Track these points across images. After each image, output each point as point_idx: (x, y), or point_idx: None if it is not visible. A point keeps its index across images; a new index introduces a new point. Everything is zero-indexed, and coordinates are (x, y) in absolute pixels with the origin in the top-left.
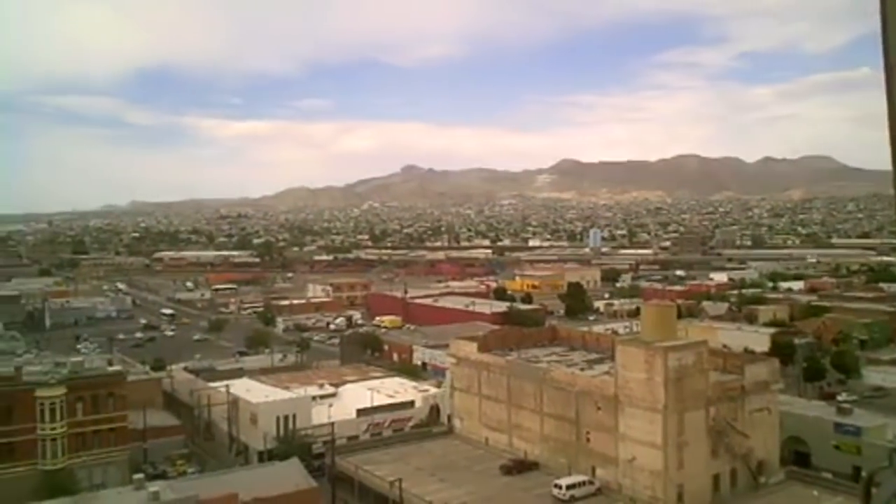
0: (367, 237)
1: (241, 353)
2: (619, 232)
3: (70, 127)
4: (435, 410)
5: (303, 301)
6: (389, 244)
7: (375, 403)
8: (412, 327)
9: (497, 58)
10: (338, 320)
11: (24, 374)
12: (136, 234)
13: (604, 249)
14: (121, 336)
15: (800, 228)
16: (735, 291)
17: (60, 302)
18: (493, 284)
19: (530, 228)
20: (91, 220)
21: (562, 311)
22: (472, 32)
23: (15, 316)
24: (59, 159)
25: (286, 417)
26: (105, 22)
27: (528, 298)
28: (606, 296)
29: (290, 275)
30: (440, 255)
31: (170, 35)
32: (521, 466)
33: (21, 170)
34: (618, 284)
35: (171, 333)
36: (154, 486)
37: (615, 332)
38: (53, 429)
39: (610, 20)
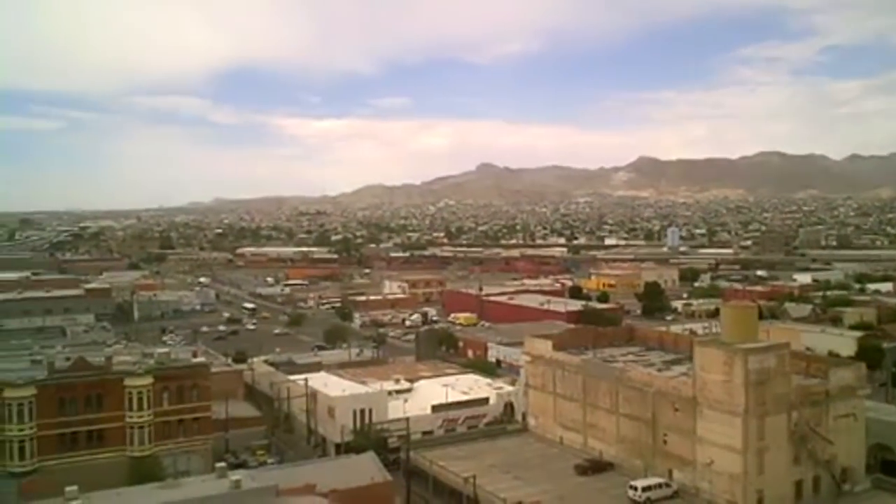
0: (442, 234)
1: (320, 347)
2: (699, 231)
3: (159, 126)
4: (509, 408)
5: (379, 297)
6: (465, 242)
7: (450, 400)
8: (487, 324)
9: (574, 55)
10: (413, 316)
11: (114, 363)
12: (220, 231)
13: (682, 248)
14: (204, 329)
15: (889, 228)
16: (819, 293)
17: (148, 295)
18: (569, 283)
19: (606, 227)
20: (177, 216)
21: (638, 311)
22: (549, 29)
23: (105, 308)
24: (148, 157)
25: (362, 411)
26: (192, 24)
27: (603, 297)
28: (685, 296)
29: (366, 271)
30: (515, 252)
31: (253, 36)
32: (596, 466)
33: (113, 168)
34: (696, 284)
35: (252, 327)
36: (235, 475)
37: (693, 333)
38: (141, 417)
39: (690, 15)
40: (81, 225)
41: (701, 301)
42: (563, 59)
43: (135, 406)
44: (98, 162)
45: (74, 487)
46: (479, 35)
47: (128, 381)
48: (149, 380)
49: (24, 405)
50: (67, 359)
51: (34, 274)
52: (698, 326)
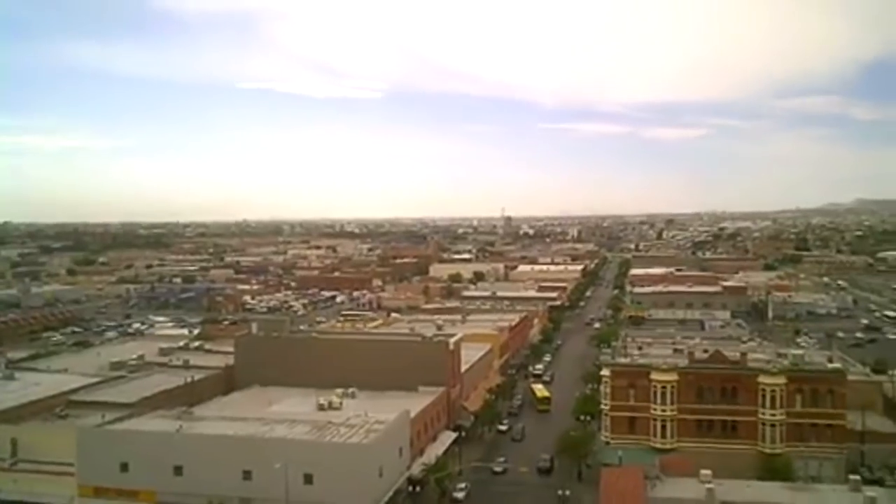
0: None
1: None
2: None
3: (795, 128)
4: None
5: None
6: None
7: None
8: None
9: None
10: None
11: (749, 360)
12: (859, 233)
13: None
14: (840, 334)
15: None
16: None
17: (782, 296)
18: None
19: None
20: (813, 217)
21: None
22: None
23: (740, 305)
24: (783, 159)
25: None
26: (825, 24)
27: None
28: None
29: None
30: None
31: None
32: None
33: (750, 171)
34: None
35: (893, 336)
36: (871, 492)
37: None
38: (773, 415)
39: None
40: (720, 226)
41: None
42: None
43: (767, 403)
44: (735, 166)
45: (709, 471)
46: None
47: (762, 379)
48: (782, 379)
49: (667, 389)
50: (705, 351)
51: (678, 270)
52: None
